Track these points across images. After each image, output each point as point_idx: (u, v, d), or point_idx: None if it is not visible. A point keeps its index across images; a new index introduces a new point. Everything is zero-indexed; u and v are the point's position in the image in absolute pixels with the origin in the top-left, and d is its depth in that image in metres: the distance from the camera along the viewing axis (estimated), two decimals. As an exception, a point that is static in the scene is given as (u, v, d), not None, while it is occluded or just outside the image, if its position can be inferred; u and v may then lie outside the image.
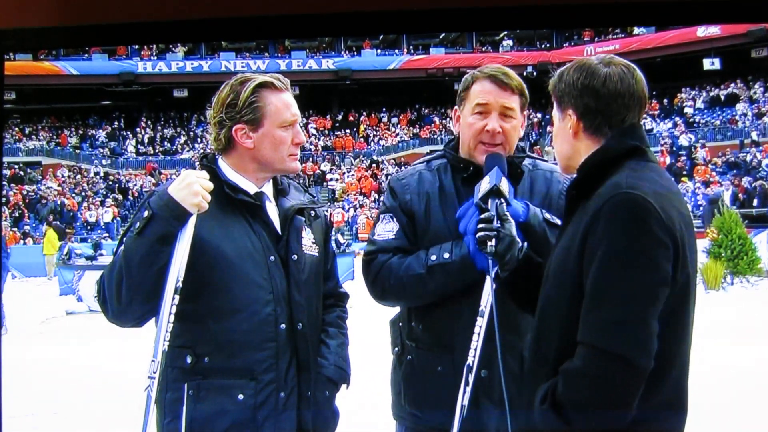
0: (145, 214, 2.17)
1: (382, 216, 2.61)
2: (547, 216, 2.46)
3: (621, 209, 1.78)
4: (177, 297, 2.14)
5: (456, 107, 2.61)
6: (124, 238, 2.24)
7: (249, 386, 2.25)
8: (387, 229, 2.56)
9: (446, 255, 2.43)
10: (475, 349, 2.32)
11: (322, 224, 2.54)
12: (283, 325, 2.30)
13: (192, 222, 2.17)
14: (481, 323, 2.33)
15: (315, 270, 2.44)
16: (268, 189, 2.44)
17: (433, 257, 2.44)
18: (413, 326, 2.57)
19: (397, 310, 2.67)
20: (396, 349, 2.65)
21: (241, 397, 2.24)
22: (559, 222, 2.45)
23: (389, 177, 2.70)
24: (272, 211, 2.41)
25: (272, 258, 2.33)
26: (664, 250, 1.77)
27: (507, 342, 2.30)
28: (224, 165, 2.39)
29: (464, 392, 2.31)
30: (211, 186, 2.20)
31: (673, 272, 1.78)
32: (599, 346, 1.75)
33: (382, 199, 2.75)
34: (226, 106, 2.34)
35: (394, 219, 2.57)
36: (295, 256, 2.37)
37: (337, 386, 2.47)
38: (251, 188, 2.38)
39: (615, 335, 1.74)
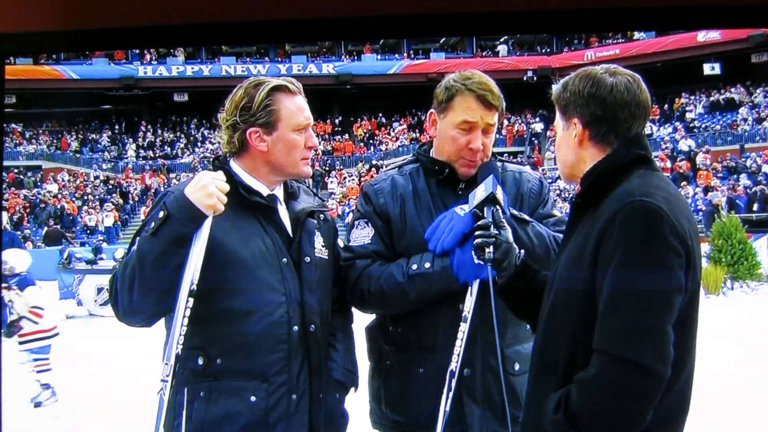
0: (161, 214, 2.16)
1: (356, 222, 2.60)
2: (515, 212, 2.48)
3: (635, 217, 1.79)
4: (191, 300, 2.13)
5: (433, 111, 2.59)
6: (137, 238, 2.24)
7: (261, 388, 2.25)
8: (362, 235, 2.56)
9: (427, 265, 2.43)
10: (458, 354, 2.34)
11: (330, 229, 2.54)
12: (295, 327, 2.30)
13: (207, 224, 2.17)
14: (464, 328, 2.34)
15: (325, 273, 2.45)
16: (279, 192, 2.44)
17: (414, 267, 2.44)
18: (392, 330, 2.56)
19: (373, 316, 2.67)
20: (374, 355, 2.64)
21: (253, 399, 2.24)
22: (527, 217, 2.49)
23: (362, 184, 2.71)
24: (283, 213, 2.42)
25: (285, 260, 2.33)
26: (678, 257, 1.78)
27: (490, 342, 2.33)
28: (236, 167, 2.39)
29: (447, 398, 2.32)
30: (227, 188, 2.20)
31: (685, 280, 1.79)
32: (616, 353, 1.74)
33: (355, 205, 2.75)
34: (241, 109, 2.33)
35: (369, 224, 2.57)
36: (308, 258, 2.38)
37: (346, 389, 2.48)
38: (264, 191, 2.38)
39: (632, 342, 1.73)
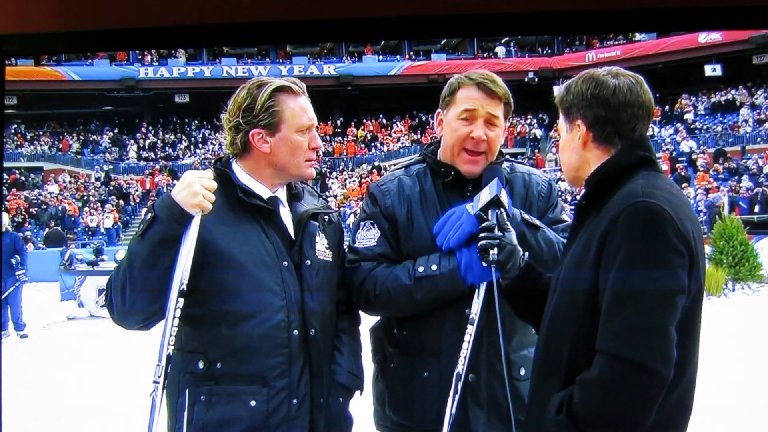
0: (148, 216, 2.17)
1: (362, 223, 2.59)
2: (526, 217, 2.47)
3: (638, 218, 1.79)
4: (181, 300, 2.13)
5: (439, 110, 2.59)
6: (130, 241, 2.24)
7: (261, 393, 2.24)
8: (368, 236, 2.55)
9: (434, 267, 2.42)
10: (465, 357, 2.33)
11: (336, 230, 2.52)
12: (295, 331, 2.29)
13: (196, 224, 2.16)
14: (471, 331, 2.34)
15: (329, 275, 2.42)
16: (282, 194, 2.42)
17: (421, 269, 2.44)
18: (396, 333, 2.55)
19: (377, 318, 2.66)
20: (378, 357, 2.64)
21: (253, 403, 2.23)
22: (538, 222, 2.48)
23: (368, 185, 2.70)
24: (286, 215, 2.40)
25: (285, 263, 2.31)
26: (681, 258, 1.78)
27: (495, 346, 2.33)
28: (238, 169, 2.38)
29: (453, 400, 2.32)
30: (214, 185, 2.19)
31: (688, 281, 1.79)
32: (619, 354, 1.75)
33: (360, 206, 2.73)
34: (243, 110, 2.32)
35: (375, 225, 2.55)
36: (309, 262, 2.36)
37: (351, 393, 2.46)
38: (265, 193, 2.37)
39: (635, 343, 1.74)
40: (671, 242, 1.77)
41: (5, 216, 12.32)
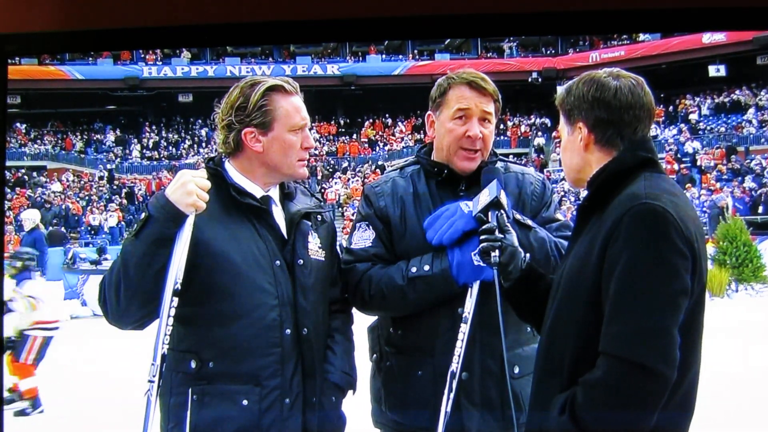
0: (143, 216, 2.17)
1: (357, 224, 2.61)
2: (518, 217, 2.48)
3: (642, 219, 1.79)
4: (176, 299, 2.12)
5: (430, 112, 2.61)
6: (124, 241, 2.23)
7: (254, 392, 2.23)
8: (363, 237, 2.57)
9: (426, 267, 2.44)
10: (459, 355, 2.35)
11: (329, 229, 2.52)
12: (288, 331, 2.28)
13: (190, 223, 2.15)
14: (465, 329, 2.35)
15: (321, 275, 2.42)
16: (275, 193, 2.42)
17: (413, 269, 2.45)
18: (392, 332, 2.57)
19: (375, 317, 2.68)
20: (374, 356, 2.66)
21: (245, 402, 2.22)
22: (530, 222, 2.50)
23: (364, 186, 2.73)
24: (278, 215, 2.40)
25: (278, 263, 2.31)
26: (684, 260, 1.78)
27: (488, 344, 2.37)
28: (231, 168, 2.37)
29: (448, 398, 2.34)
30: (208, 185, 2.18)
31: (691, 282, 1.79)
32: (622, 356, 1.75)
33: (356, 208, 2.75)
34: (236, 109, 2.32)
35: (370, 227, 2.58)
36: (301, 261, 2.35)
37: (344, 392, 2.46)
38: (258, 192, 2.36)
39: (639, 345, 1.74)
40: (674, 244, 1.77)
41: (36, 212, 12.36)
